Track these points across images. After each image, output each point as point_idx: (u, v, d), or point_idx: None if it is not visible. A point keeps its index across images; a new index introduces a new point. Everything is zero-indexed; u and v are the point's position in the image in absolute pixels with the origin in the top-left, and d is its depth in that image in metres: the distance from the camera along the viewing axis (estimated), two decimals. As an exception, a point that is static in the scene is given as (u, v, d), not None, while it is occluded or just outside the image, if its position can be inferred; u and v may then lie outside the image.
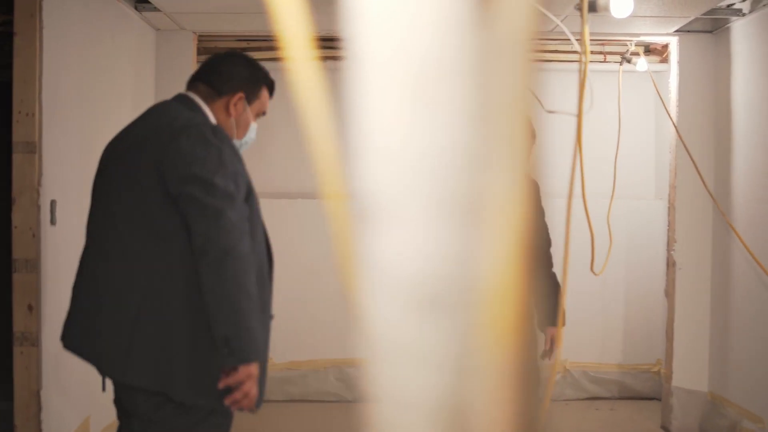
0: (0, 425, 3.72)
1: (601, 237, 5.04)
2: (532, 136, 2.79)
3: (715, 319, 4.70)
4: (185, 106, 2.32)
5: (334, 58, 5.26)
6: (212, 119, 2.34)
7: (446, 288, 0.57)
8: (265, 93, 2.46)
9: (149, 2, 4.07)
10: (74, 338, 2.34)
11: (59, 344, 3.39)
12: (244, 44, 4.90)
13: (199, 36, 4.79)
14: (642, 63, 4.90)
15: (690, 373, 4.70)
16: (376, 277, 0.60)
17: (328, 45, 5.23)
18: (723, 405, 4.52)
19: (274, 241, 2.43)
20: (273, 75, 2.51)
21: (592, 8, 3.01)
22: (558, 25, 4.07)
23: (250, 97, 2.40)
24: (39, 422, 3.25)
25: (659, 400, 5.38)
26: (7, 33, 3.36)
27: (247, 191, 2.23)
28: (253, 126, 2.46)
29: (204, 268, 2.06)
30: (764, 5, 4.14)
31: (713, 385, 4.67)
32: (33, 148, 3.25)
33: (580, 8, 2.97)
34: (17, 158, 3.25)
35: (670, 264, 4.82)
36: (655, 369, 5.45)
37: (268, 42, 4.80)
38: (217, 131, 2.21)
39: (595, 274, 3.90)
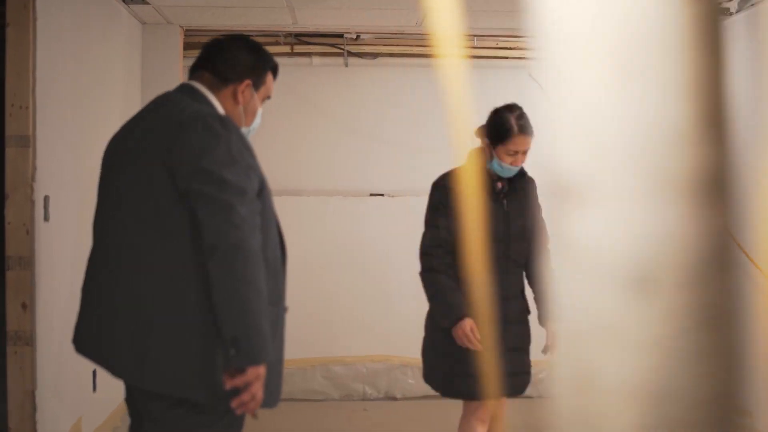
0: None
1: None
2: (530, 134, 2.71)
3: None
4: (191, 96, 2.24)
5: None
6: (219, 109, 2.26)
7: (655, 268, 0.55)
8: (270, 77, 2.38)
9: (138, -5, 4.00)
10: (87, 342, 2.25)
11: (54, 343, 3.33)
12: (231, 39, 4.84)
13: (186, 30, 4.71)
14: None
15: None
16: (578, 256, 0.57)
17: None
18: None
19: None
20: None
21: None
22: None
23: (257, 83, 2.33)
24: (34, 423, 3.17)
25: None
26: (-1, 24, 3.28)
27: (259, 185, 2.17)
28: (259, 111, 2.41)
29: (212, 265, 1.99)
30: (752, 5, 4.21)
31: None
32: (27, 142, 3.17)
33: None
34: (10, 152, 3.17)
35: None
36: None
37: (255, 38, 4.75)
38: (225, 123, 2.14)
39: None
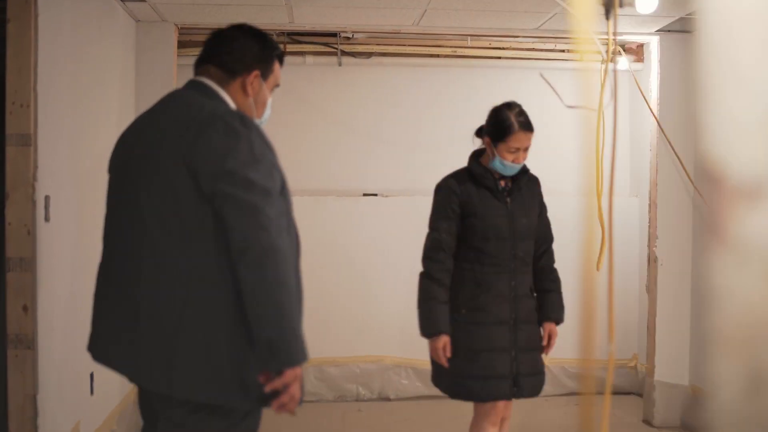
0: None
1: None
2: (531, 131, 2.73)
3: (696, 313, 4.79)
4: (203, 93, 2.18)
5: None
6: (231, 104, 2.22)
7: None
8: (277, 65, 2.32)
9: (134, -9, 3.94)
10: (106, 349, 2.19)
11: (55, 346, 3.27)
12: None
13: (181, 28, 4.65)
14: (624, 62, 4.96)
15: (671, 368, 4.78)
16: (751, 254, 0.55)
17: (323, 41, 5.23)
18: (705, 398, 4.60)
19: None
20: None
21: (614, 4, 3.01)
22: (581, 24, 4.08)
23: (265, 72, 2.27)
24: (36, 428, 3.10)
25: (636, 394, 5.47)
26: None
27: (281, 183, 2.13)
28: (269, 101, 2.34)
29: (243, 269, 1.95)
30: (748, 6, 4.23)
31: (695, 379, 4.77)
32: (28, 141, 3.10)
33: (605, 4, 2.97)
34: (11, 151, 3.09)
35: (652, 260, 4.89)
36: (632, 364, 5.54)
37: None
38: (245, 121, 2.10)
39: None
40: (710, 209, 0.59)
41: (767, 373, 0.54)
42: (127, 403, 4.38)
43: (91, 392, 3.76)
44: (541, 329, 3.33)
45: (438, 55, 5.43)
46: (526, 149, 3.19)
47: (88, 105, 3.72)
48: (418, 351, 5.24)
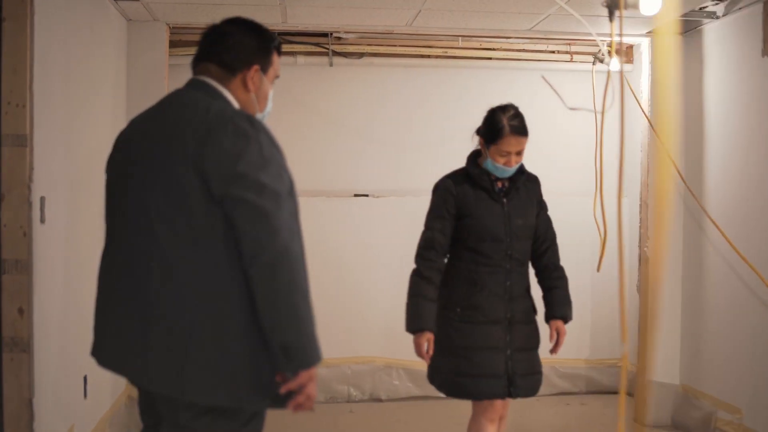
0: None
1: (578, 234, 5.13)
2: (523, 135, 2.73)
3: (686, 312, 4.82)
4: (206, 93, 2.15)
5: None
6: (234, 102, 2.19)
7: None
8: (275, 56, 2.29)
9: (127, -9, 3.90)
10: (112, 354, 2.15)
11: (51, 350, 3.23)
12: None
13: (172, 28, 4.62)
14: (615, 63, 4.98)
15: (662, 367, 4.81)
16: None
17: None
18: (696, 397, 4.64)
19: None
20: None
21: (618, 5, 3.02)
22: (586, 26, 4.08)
23: (265, 65, 2.23)
24: (32, 432, 3.06)
25: (627, 394, 5.49)
26: (-5, 18, 3.15)
27: (289, 184, 2.12)
28: (270, 94, 2.31)
29: (257, 274, 1.95)
30: (739, 8, 4.27)
31: (685, 378, 4.80)
32: (24, 142, 3.06)
33: (608, 6, 2.98)
34: (6, 152, 3.05)
35: (643, 260, 4.92)
36: (621, 363, 5.57)
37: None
38: (253, 122, 2.07)
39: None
40: None
41: None
42: (119, 405, 4.35)
43: (85, 396, 3.73)
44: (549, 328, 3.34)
45: (429, 56, 5.43)
46: (518, 153, 3.19)
47: (81, 105, 3.68)
48: (409, 352, 5.18)
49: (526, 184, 3.32)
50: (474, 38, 5.25)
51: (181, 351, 1.99)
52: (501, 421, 3.38)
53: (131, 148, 2.20)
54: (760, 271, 3.97)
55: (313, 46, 5.27)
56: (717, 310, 4.50)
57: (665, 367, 4.83)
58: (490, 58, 5.46)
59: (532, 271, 3.40)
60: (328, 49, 5.26)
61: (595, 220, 5.30)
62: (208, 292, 2.00)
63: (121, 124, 4.24)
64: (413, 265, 3.30)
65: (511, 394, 3.22)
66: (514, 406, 3.40)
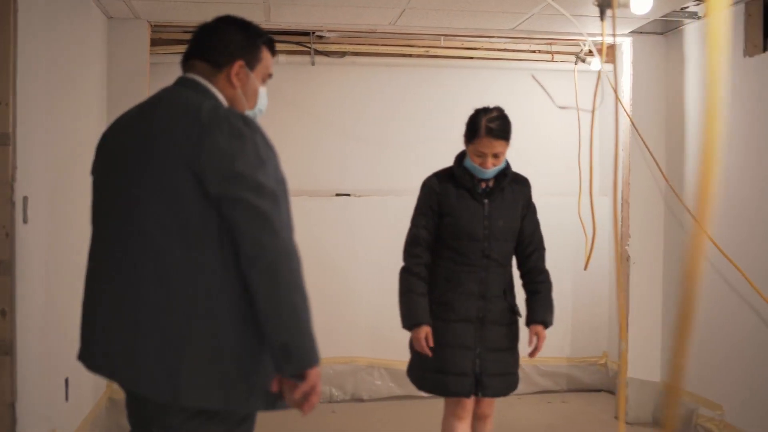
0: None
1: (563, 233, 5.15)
2: (499, 138, 2.75)
3: (667, 310, 4.86)
4: (196, 91, 2.12)
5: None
6: (222, 100, 2.17)
7: None
8: (266, 53, 2.25)
9: (108, -13, 3.85)
10: (102, 358, 2.11)
11: (33, 352, 3.18)
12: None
13: (154, 26, 4.57)
14: (596, 62, 5.01)
15: (643, 364, 4.85)
16: None
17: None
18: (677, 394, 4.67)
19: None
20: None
21: (610, 5, 3.03)
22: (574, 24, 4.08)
23: (251, 62, 2.19)
24: (15, 436, 3.00)
25: (607, 391, 5.54)
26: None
27: (283, 184, 2.09)
28: (263, 91, 2.26)
29: (256, 275, 1.93)
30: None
31: (667, 375, 4.84)
32: (7, 140, 3.00)
33: (600, 5, 3.00)
34: (-12, 151, 2.99)
35: (624, 258, 4.95)
36: (602, 361, 5.61)
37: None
38: (248, 121, 2.05)
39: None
40: None
41: None
42: (100, 408, 4.29)
43: (66, 398, 3.67)
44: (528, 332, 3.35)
45: (411, 55, 5.43)
46: (495, 155, 3.20)
47: (63, 103, 3.62)
48: (390, 351, 5.25)
49: (512, 185, 3.32)
50: (456, 38, 5.25)
51: (174, 355, 1.96)
52: (486, 419, 3.39)
53: (119, 147, 2.15)
54: (741, 268, 4.01)
55: (294, 45, 5.24)
56: (698, 307, 4.53)
57: (646, 364, 4.87)
58: (472, 58, 5.47)
59: (517, 273, 3.41)
60: (310, 48, 5.24)
61: (580, 219, 5.33)
62: (202, 294, 1.97)
63: (103, 123, 4.24)
64: (398, 264, 3.34)
65: (478, 393, 3.23)
66: (496, 404, 3.41)
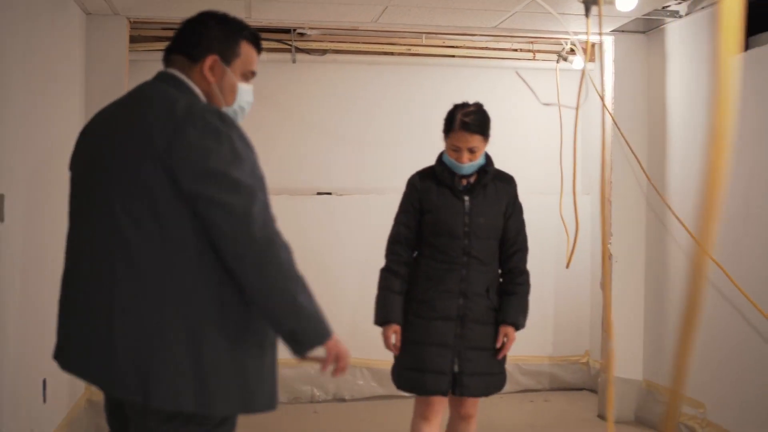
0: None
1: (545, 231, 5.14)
2: (473, 132, 2.72)
3: (649, 309, 4.87)
4: (173, 86, 2.08)
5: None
6: (200, 95, 2.13)
7: None
8: (246, 49, 2.18)
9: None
10: (75, 358, 2.07)
11: (10, 354, 3.12)
12: (179, 32, 4.67)
13: (133, 22, 4.51)
14: (578, 61, 5.01)
15: (625, 363, 4.85)
16: None
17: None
18: (660, 392, 4.69)
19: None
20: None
21: (596, 1, 3.02)
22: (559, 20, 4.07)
23: (228, 56, 2.13)
24: (-9, 439, 2.95)
25: (589, 390, 5.54)
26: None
27: (263, 182, 2.06)
28: (246, 88, 2.20)
29: (245, 273, 1.91)
30: (702, 8, 4.32)
31: (648, 374, 4.85)
32: (-18, 138, 2.95)
33: (585, 1, 2.98)
34: (-37, 148, 2.94)
35: (606, 257, 4.95)
36: (584, 360, 5.61)
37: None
38: (224, 117, 2.01)
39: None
40: None
41: None
42: (78, 409, 4.23)
43: (44, 400, 3.61)
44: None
45: (392, 53, 5.41)
46: (471, 150, 3.16)
47: (40, 100, 3.56)
48: (372, 351, 5.20)
49: (495, 183, 3.28)
50: (438, 35, 5.24)
51: (147, 355, 1.91)
52: (469, 420, 3.35)
53: (96, 144, 2.10)
54: (723, 266, 4.02)
55: (275, 43, 5.20)
56: (679, 305, 4.55)
57: (628, 363, 4.87)
58: (454, 56, 5.46)
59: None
60: (291, 45, 5.20)
61: (561, 218, 5.32)
62: (176, 293, 1.93)
63: (81, 120, 4.17)
64: (380, 263, 3.32)
65: (455, 392, 3.20)
66: (479, 403, 3.37)
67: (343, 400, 5.36)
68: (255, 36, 2.24)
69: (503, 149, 5.15)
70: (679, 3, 4.38)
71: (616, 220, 4.87)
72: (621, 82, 4.86)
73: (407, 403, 3.34)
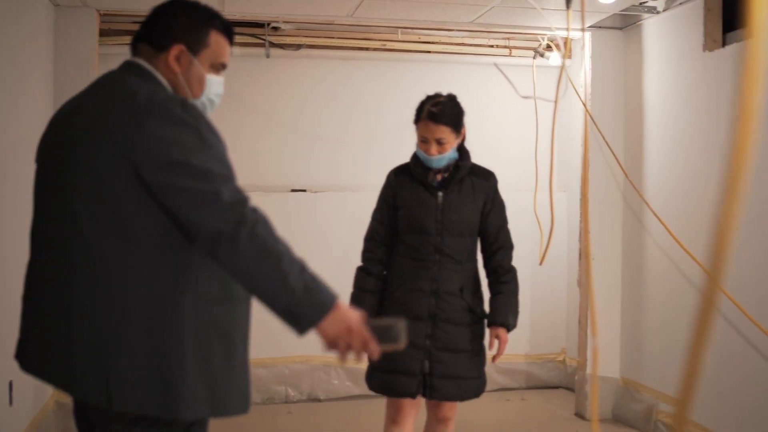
0: None
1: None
2: (439, 123, 2.63)
3: (626, 306, 4.86)
4: (137, 75, 1.99)
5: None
6: (167, 85, 2.04)
7: None
8: (216, 39, 2.07)
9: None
10: (36, 359, 1.98)
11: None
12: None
13: (103, 14, 4.40)
14: (555, 57, 4.98)
15: (602, 361, 4.82)
16: None
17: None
18: (637, 390, 4.67)
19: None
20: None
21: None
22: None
23: (195, 46, 2.03)
24: (-45, 443, 2.84)
25: (566, 388, 5.52)
26: None
27: (232, 172, 1.97)
28: (215, 79, 2.10)
29: (224, 258, 1.80)
30: (679, 3, 4.31)
31: (626, 371, 4.83)
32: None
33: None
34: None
35: (583, 254, 4.93)
36: (560, 358, 5.59)
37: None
38: (187, 107, 1.92)
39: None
40: None
41: None
42: (47, 411, 4.12)
43: (10, 402, 3.51)
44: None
45: (367, 48, 5.34)
46: (438, 142, 3.05)
47: (5, 93, 3.45)
48: (348, 350, 5.13)
49: (472, 178, 3.17)
50: (414, 30, 5.18)
51: (107, 356, 1.82)
52: (446, 422, 3.26)
53: (59, 135, 2.02)
54: (699, 261, 4.01)
55: (249, 37, 5.11)
56: (657, 302, 4.54)
57: (605, 360, 4.85)
58: (429, 52, 5.41)
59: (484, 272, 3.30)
60: (264, 40, 5.11)
61: (536, 215, 5.29)
62: (138, 292, 1.84)
63: (49, 113, 4.01)
64: (356, 261, 3.25)
65: (425, 395, 3.09)
66: (456, 407, 3.29)
67: (317, 400, 5.29)
68: (226, 26, 2.13)
69: (476, 146, 5.12)
70: (656, -1, 4.37)
71: (592, 217, 4.84)
72: (598, 79, 4.84)
73: (382, 403, 3.26)
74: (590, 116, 4.71)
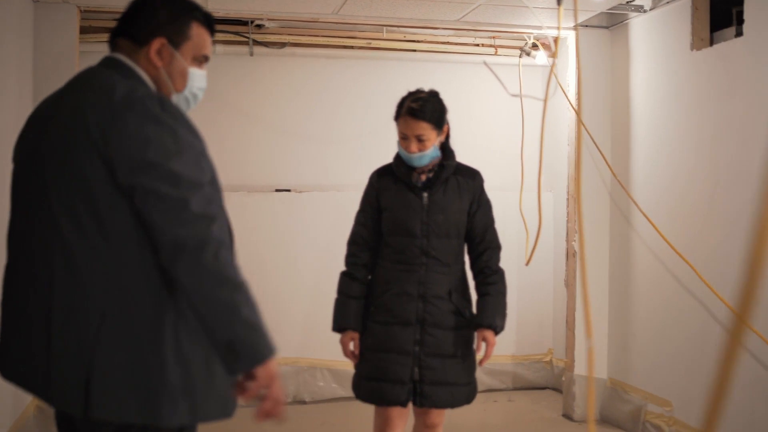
0: None
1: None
2: (419, 119, 2.55)
3: (613, 307, 4.83)
4: (117, 71, 1.93)
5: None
6: (148, 81, 1.98)
7: None
8: (198, 31, 2.02)
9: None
10: (15, 367, 1.92)
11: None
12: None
13: (84, 11, 4.32)
14: (541, 56, 4.94)
15: (588, 362, 4.79)
16: None
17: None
18: (625, 390, 4.65)
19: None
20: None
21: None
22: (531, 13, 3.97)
23: (176, 39, 1.98)
24: (-69, 451, 2.77)
25: (552, 389, 5.49)
26: None
27: (210, 174, 1.91)
28: (198, 73, 2.04)
29: (180, 272, 1.75)
30: (667, 2, 4.29)
31: (613, 372, 4.81)
32: None
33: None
34: None
35: (570, 254, 4.90)
36: (547, 359, 5.56)
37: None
38: (166, 105, 1.86)
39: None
40: None
41: None
42: (27, 417, 4.04)
43: (-10, 408, 3.43)
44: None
45: (352, 47, 5.29)
46: (418, 138, 2.97)
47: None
48: (333, 352, 5.05)
49: (457, 178, 3.09)
50: (399, 28, 5.13)
51: (86, 362, 1.76)
52: (435, 429, 3.19)
53: (36, 134, 1.95)
54: (692, 264, 3.99)
55: (232, 35, 5.05)
56: (645, 303, 4.52)
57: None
58: (415, 50, 5.36)
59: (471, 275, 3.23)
60: (248, 38, 5.05)
61: (521, 214, 5.26)
62: (118, 296, 1.78)
63: (27, 112, 3.93)
64: (340, 262, 3.17)
65: (416, 403, 3.02)
66: (444, 413, 3.22)
67: (303, 402, 5.23)
68: (207, 17, 2.08)
69: (460, 145, 5.09)
70: (644, -4, 4.34)
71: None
72: (584, 78, 4.81)
73: (368, 405, 3.20)
74: (578, 115, 4.68)
